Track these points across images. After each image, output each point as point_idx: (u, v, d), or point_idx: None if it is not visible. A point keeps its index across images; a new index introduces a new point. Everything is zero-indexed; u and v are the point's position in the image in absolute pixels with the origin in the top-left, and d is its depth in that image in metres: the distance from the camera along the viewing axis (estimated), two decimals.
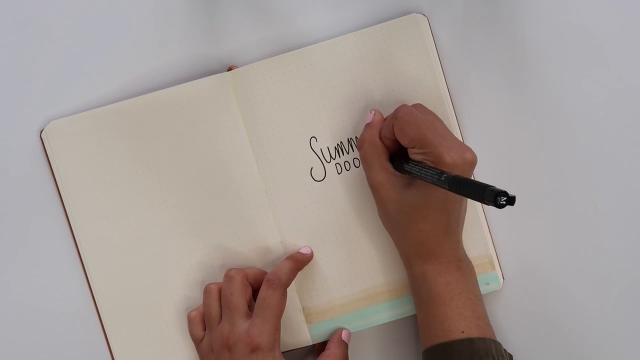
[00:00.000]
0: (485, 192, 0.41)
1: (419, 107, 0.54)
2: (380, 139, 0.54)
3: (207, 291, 0.56)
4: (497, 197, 0.40)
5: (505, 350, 0.52)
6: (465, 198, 0.53)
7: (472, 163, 0.50)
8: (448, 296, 0.52)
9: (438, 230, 0.51)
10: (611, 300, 0.58)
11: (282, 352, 0.56)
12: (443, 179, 0.46)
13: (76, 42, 0.59)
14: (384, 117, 0.55)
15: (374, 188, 0.53)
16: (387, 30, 0.57)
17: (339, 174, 0.58)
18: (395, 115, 0.52)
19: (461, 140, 0.57)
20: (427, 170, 0.49)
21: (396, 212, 0.52)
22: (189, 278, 0.59)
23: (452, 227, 0.52)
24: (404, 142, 0.51)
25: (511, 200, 0.41)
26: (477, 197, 0.42)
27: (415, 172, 0.50)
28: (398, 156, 0.53)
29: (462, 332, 0.51)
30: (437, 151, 0.49)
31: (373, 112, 0.55)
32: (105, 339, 0.59)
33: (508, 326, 0.58)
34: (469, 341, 0.50)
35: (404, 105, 0.52)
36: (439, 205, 0.51)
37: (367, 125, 0.55)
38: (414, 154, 0.51)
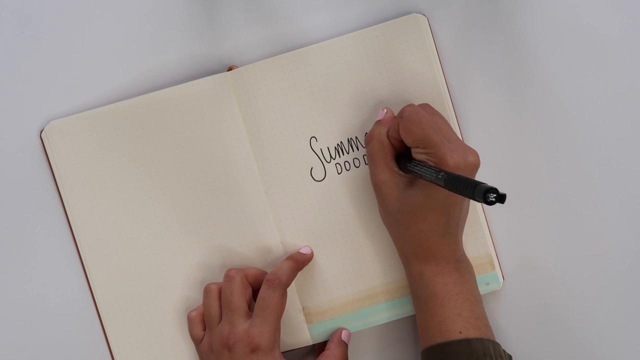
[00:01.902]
0: (475, 189, 0.41)
1: (426, 107, 0.54)
2: (388, 137, 0.54)
3: (207, 291, 0.56)
4: (486, 194, 0.41)
5: (504, 350, 0.52)
6: (466, 200, 0.53)
7: (475, 166, 0.50)
8: (446, 297, 0.51)
9: (437, 231, 0.51)
10: (611, 300, 0.58)
11: (282, 352, 0.56)
12: (440, 176, 0.46)
13: (76, 42, 0.59)
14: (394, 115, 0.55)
15: (377, 186, 0.53)
16: (387, 30, 0.57)
17: (339, 174, 0.58)
18: (401, 114, 0.52)
19: (461, 139, 0.57)
20: (426, 168, 0.49)
21: (396, 211, 0.52)
22: (189, 278, 0.59)
23: (452, 228, 0.52)
24: (407, 141, 0.51)
25: (501, 198, 0.41)
26: (469, 194, 0.42)
27: (416, 171, 0.50)
28: (403, 156, 0.53)
29: (460, 332, 0.51)
30: (440, 152, 0.49)
31: (385, 109, 0.55)
32: (105, 339, 0.59)
33: (508, 326, 0.58)
34: (467, 342, 0.50)
35: (410, 105, 0.52)
36: (439, 206, 0.51)
37: (377, 122, 0.55)
38: (418, 154, 0.51)
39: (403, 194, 0.52)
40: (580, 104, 0.57)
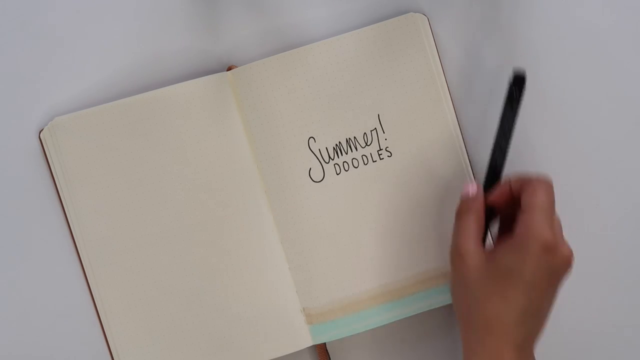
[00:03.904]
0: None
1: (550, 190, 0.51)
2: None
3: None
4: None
5: None
6: (552, 305, 0.51)
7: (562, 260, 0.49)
8: None
9: (511, 313, 0.49)
10: (612, 299, 0.58)
11: (282, 355, 0.56)
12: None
13: (75, 41, 0.59)
14: None
15: (461, 255, 0.51)
16: (386, 29, 0.56)
17: (337, 174, 0.58)
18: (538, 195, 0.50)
19: (462, 139, 0.57)
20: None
21: (475, 282, 0.50)
22: (189, 278, 0.59)
23: (527, 316, 0.49)
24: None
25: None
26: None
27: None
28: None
29: None
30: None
31: (473, 186, 0.53)
32: (105, 339, 0.59)
33: None
34: None
35: (551, 187, 0.50)
36: (522, 286, 0.48)
37: (471, 198, 0.53)
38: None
39: (485, 265, 0.50)
40: (581, 103, 0.57)
